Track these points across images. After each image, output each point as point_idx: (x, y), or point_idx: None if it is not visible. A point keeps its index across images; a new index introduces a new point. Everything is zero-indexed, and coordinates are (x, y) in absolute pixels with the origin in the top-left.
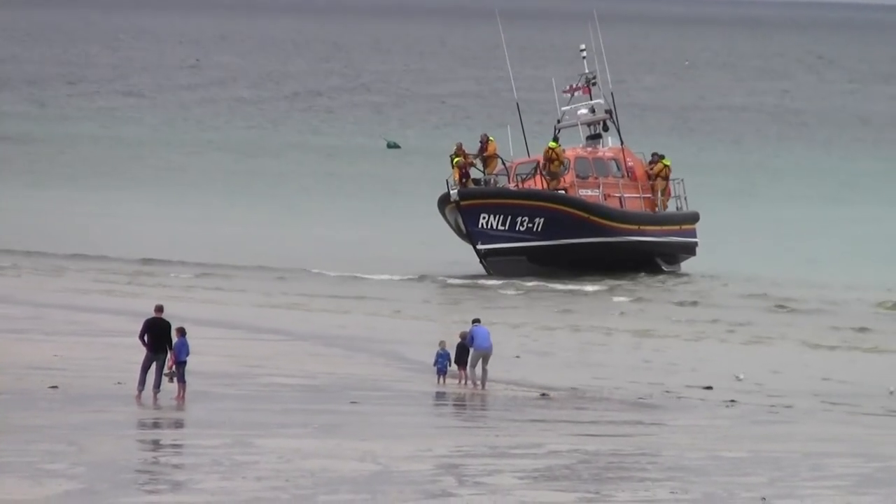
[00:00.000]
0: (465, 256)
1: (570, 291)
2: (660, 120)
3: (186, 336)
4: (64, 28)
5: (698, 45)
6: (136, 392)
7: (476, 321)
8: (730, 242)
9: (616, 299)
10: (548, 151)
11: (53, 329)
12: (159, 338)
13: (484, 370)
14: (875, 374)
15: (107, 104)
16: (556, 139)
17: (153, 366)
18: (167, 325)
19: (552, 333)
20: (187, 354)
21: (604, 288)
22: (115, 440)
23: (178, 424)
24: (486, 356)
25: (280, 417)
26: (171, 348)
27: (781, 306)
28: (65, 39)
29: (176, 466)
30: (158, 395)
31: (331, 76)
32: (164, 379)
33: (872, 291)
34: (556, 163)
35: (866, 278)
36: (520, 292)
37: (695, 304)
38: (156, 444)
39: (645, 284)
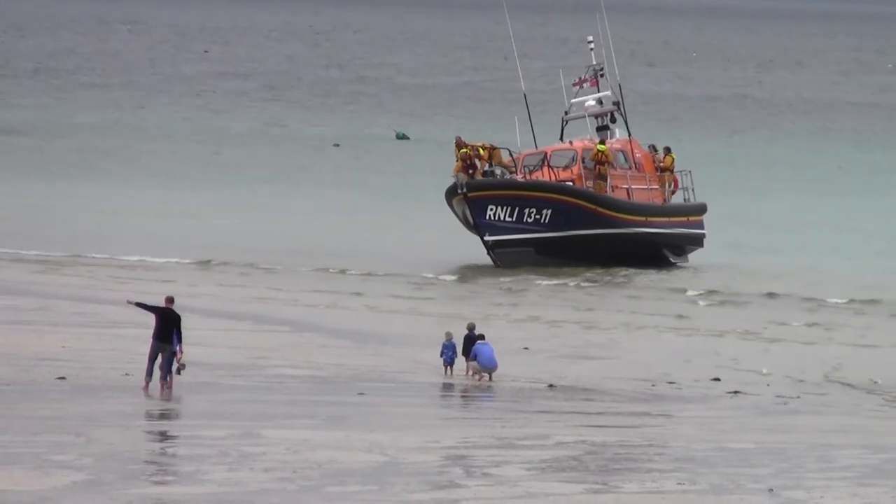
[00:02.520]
0: (474, 249)
1: (590, 284)
2: (665, 111)
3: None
4: (58, 17)
5: (707, 36)
6: (144, 383)
7: (481, 337)
8: (738, 234)
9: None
10: (598, 154)
11: (61, 320)
12: (167, 328)
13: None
14: (856, 367)
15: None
16: (602, 142)
17: (160, 357)
18: (177, 317)
19: (560, 327)
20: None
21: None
22: (123, 431)
23: (186, 415)
24: (490, 373)
25: (287, 409)
26: (179, 340)
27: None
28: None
29: (183, 458)
30: (167, 387)
31: (335, 67)
32: (173, 370)
33: (855, 287)
34: (606, 165)
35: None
36: (535, 286)
37: (699, 298)
38: (163, 436)
39: (648, 276)
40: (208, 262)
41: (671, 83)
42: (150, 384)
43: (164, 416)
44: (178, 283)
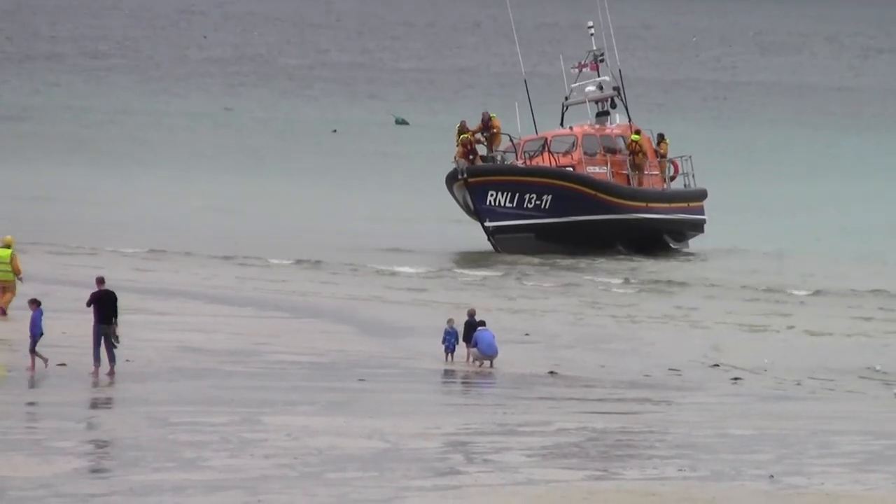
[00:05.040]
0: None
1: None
2: (664, 97)
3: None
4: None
5: (707, 21)
6: (93, 368)
7: (482, 323)
8: (740, 219)
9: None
10: (632, 144)
11: (61, 306)
12: (108, 310)
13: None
14: (854, 355)
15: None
16: (638, 132)
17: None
18: (114, 296)
19: (560, 315)
20: (39, 325)
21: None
22: (123, 418)
23: (187, 402)
24: (491, 359)
25: (288, 395)
26: (115, 317)
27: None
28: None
29: (184, 444)
30: (115, 367)
31: (333, 54)
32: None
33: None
34: (641, 155)
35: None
36: (534, 277)
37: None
38: (164, 422)
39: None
40: (211, 250)
41: (671, 67)
42: (99, 368)
43: (164, 402)
44: (180, 273)
